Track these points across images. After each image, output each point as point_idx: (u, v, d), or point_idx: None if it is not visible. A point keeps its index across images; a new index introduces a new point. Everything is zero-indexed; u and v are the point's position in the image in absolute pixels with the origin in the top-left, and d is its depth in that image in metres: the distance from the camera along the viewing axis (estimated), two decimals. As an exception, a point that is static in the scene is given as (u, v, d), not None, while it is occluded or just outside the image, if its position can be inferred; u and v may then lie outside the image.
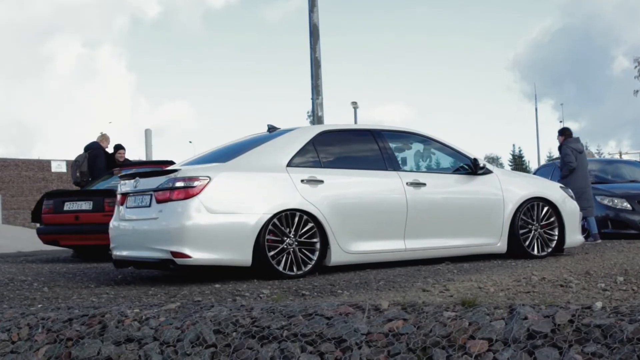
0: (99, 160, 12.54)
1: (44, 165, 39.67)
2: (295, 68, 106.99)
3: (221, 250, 6.68)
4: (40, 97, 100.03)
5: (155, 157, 16.93)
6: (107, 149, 12.91)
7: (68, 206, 10.76)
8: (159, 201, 6.83)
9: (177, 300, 5.50)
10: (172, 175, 6.84)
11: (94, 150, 12.68)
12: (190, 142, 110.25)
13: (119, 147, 13.13)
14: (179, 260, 6.62)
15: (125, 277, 7.87)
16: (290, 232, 6.91)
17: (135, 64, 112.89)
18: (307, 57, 13.58)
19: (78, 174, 12.66)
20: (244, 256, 6.72)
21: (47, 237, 11.09)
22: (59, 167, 39.87)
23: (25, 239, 20.43)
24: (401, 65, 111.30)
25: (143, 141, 18.56)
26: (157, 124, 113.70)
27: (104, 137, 13.00)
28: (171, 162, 11.26)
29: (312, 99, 13.79)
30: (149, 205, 6.96)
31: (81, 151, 12.86)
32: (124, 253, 7.23)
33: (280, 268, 6.82)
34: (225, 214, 6.72)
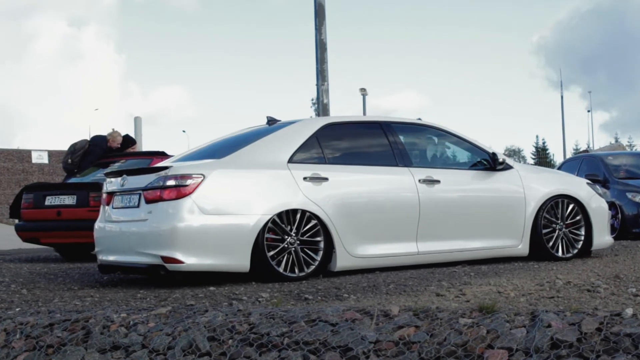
0: (91, 157, 12.30)
1: (24, 155, 39.74)
2: (299, 51, 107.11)
3: (216, 255, 6.68)
4: (20, 80, 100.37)
5: (146, 147, 16.95)
6: (113, 147, 12.40)
7: (50, 201, 10.78)
8: (148, 201, 6.83)
9: (168, 304, 5.50)
10: (162, 172, 6.84)
11: (94, 146, 12.33)
12: (183, 131, 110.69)
13: (131, 141, 12.89)
14: (170, 266, 6.63)
15: (112, 278, 7.88)
16: (291, 230, 6.91)
17: (124, 45, 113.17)
18: (312, 40, 13.57)
19: (70, 161, 12.44)
20: (241, 261, 6.72)
21: (26, 235, 11.11)
22: (40, 158, 39.91)
23: (2, 236, 20.50)
24: (414, 49, 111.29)
25: (132, 130, 18.58)
26: (148, 111, 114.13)
27: (113, 137, 12.49)
28: (163, 153, 11.27)
29: (317, 85, 13.78)
30: (138, 206, 6.96)
31: (82, 138, 12.61)
32: (110, 258, 7.22)
33: (281, 269, 6.82)
34: (221, 215, 6.73)
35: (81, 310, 5.32)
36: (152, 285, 7.02)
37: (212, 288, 6.55)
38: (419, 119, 8.45)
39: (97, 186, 9.89)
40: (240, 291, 6.29)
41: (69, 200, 10.62)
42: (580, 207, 8.31)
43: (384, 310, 4.52)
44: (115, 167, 11.11)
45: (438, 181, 7.73)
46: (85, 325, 4.80)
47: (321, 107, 13.66)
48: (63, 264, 10.00)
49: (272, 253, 6.81)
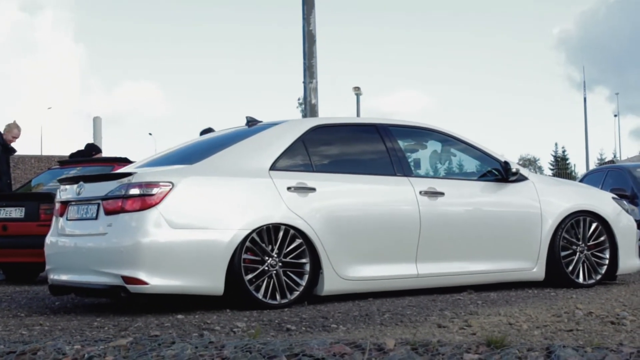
0: None
1: (-35, 161, 39.53)
2: (285, 44, 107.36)
3: (186, 275, 6.68)
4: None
5: (107, 152, 16.93)
6: (12, 142, 12.43)
7: (-7, 213, 10.73)
8: (108, 212, 6.82)
9: (129, 335, 5.49)
10: (125, 180, 6.83)
11: None
12: (150, 134, 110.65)
13: (95, 149, 12.85)
14: (132, 288, 6.61)
15: (65, 304, 7.86)
16: (272, 249, 6.91)
17: (85, 34, 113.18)
18: (299, 31, 13.59)
19: None
20: (214, 282, 6.71)
21: (-34, 253, 11.04)
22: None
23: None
24: (417, 42, 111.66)
25: (91, 132, 18.56)
26: (112, 110, 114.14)
27: (10, 129, 12.43)
28: (126, 160, 11.26)
29: (304, 82, 13.80)
30: (96, 218, 6.95)
31: None
32: (63, 277, 7.20)
33: (260, 295, 6.82)
34: (192, 229, 6.73)
35: (28, 341, 5.30)
36: (110, 312, 7.00)
37: (180, 316, 6.54)
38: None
39: (49, 197, 9.86)
40: (213, 320, 6.28)
41: (15, 212, 10.57)
42: (604, 225, 8.35)
43: (378, 344, 4.52)
44: (70, 174, 11.08)
45: (442, 193, 7.75)
46: (33, 358, 4.78)
47: (309, 108, 13.68)
48: (8, 287, 9.96)
49: (250, 276, 6.80)
